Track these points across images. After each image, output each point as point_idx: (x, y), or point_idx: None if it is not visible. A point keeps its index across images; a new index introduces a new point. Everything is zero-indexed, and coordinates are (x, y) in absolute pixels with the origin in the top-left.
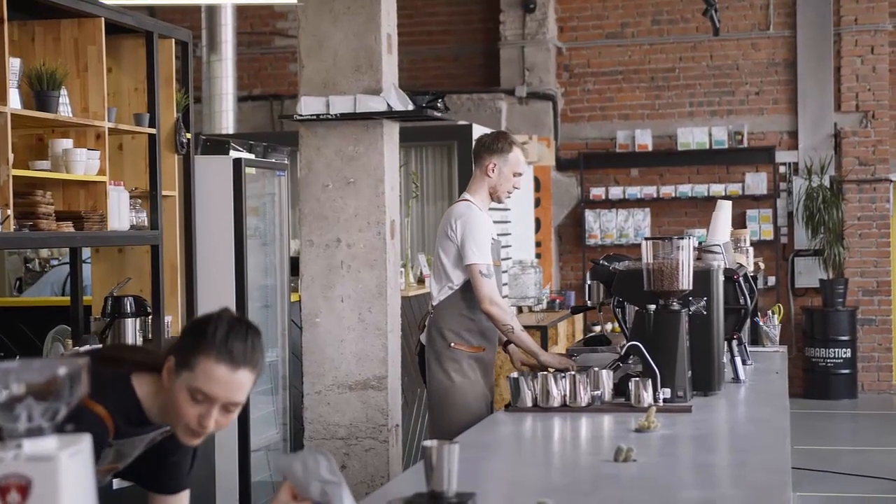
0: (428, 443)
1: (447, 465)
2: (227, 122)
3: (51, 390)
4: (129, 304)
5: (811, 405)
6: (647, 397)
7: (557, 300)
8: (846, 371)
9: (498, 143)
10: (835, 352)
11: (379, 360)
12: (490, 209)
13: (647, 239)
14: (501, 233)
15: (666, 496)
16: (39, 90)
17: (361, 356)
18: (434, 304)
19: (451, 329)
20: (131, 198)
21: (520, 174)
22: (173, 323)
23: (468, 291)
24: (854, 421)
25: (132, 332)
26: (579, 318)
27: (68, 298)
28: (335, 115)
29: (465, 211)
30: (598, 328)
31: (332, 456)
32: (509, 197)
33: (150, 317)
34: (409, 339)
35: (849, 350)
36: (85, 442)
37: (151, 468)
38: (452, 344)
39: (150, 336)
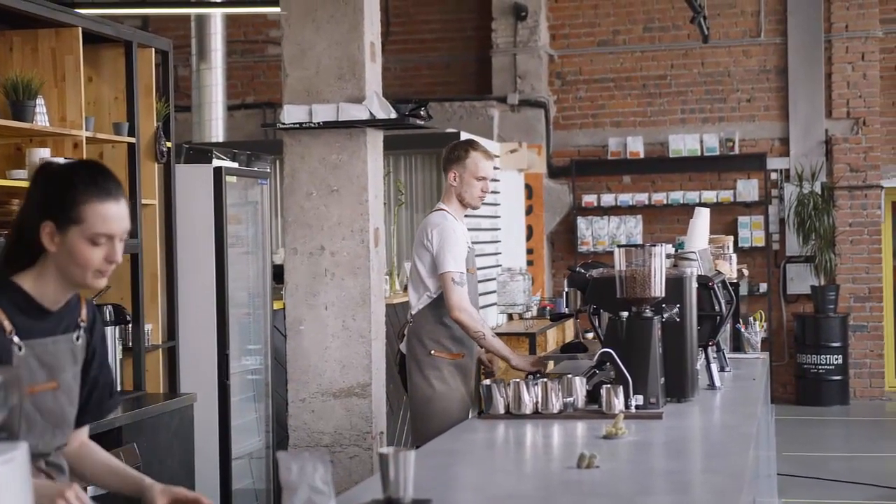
0: (383, 450)
1: (403, 471)
2: (216, 130)
3: None
4: (108, 313)
5: (803, 412)
6: (619, 404)
7: (548, 307)
8: (838, 377)
9: (454, 151)
10: (826, 358)
11: (363, 368)
12: (478, 216)
13: (619, 246)
14: (491, 240)
15: (623, 502)
16: (15, 100)
17: (345, 363)
18: (413, 312)
19: (431, 337)
20: None
21: (483, 178)
22: (153, 331)
23: None
24: (846, 427)
25: (112, 340)
26: (570, 325)
27: None
28: (318, 123)
29: (441, 221)
30: (590, 335)
31: (331, 466)
32: (482, 201)
33: (129, 325)
34: (393, 347)
35: (840, 356)
36: (20, 450)
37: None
38: (433, 351)
39: (130, 345)
